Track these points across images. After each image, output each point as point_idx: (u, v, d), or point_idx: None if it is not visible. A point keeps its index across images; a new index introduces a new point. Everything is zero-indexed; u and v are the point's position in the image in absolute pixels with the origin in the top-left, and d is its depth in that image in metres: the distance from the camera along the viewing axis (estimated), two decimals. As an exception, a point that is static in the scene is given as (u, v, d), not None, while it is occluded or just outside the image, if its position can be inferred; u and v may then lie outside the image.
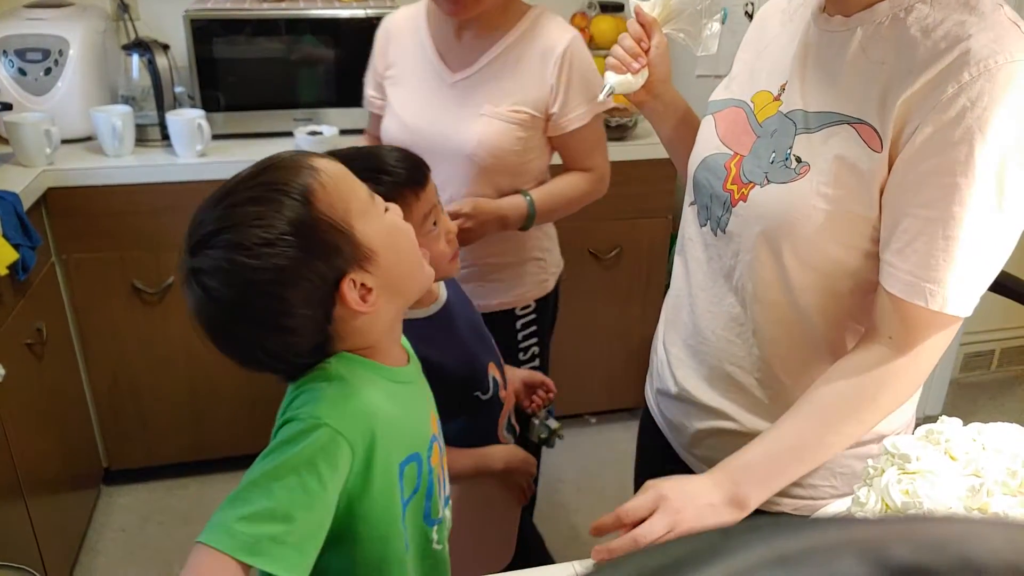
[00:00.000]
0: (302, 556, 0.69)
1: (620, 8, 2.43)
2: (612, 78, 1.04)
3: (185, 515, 2.11)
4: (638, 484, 1.24)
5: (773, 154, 0.87)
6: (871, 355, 0.83)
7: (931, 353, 0.83)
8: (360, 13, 2.06)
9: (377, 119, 1.53)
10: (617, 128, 2.15)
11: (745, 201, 0.89)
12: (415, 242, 0.82)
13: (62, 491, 1.92)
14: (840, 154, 0.81)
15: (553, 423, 1.36)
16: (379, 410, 0.77)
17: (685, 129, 1.09)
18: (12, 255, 1.55)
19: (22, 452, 1.61)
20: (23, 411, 1.65)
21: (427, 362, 0.98)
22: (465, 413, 1.17)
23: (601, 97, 1.06)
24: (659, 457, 1.12)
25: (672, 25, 1.06)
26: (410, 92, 1.44)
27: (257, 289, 0.72)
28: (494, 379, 1.21)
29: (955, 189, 0.75)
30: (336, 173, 0.76)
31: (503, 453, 1.22)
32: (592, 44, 2.33)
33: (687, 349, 1.02)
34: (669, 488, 0.82)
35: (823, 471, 0.97)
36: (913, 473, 0.73)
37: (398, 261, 0.78)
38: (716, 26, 1.05)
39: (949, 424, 0.79)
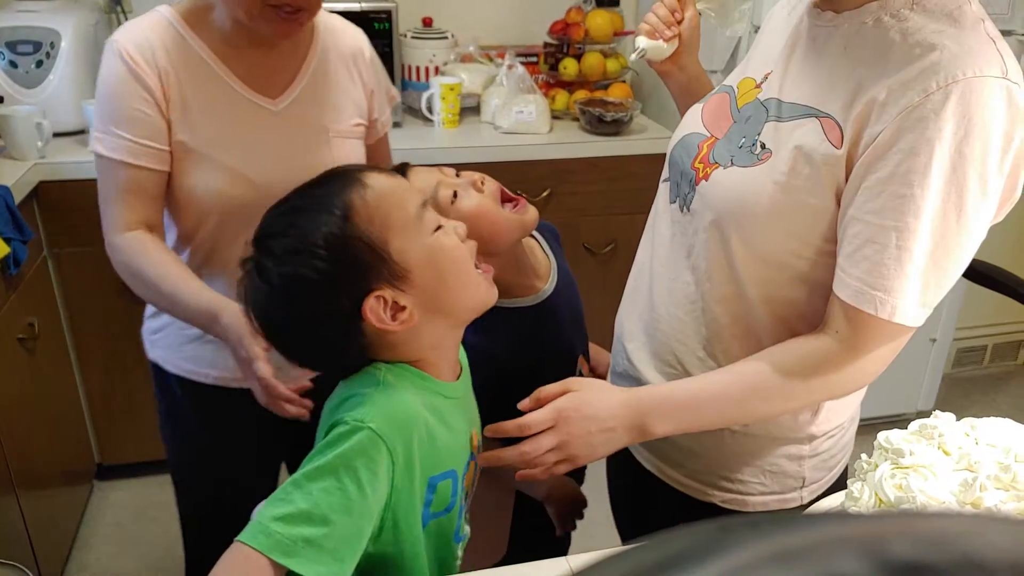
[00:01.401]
0: (336, 562, 0.68)
1: (616, 3, 2.42)
2: (644, 42, 1.07)
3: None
4: (610, 479, 1.24)
5: (743, 139, 0.88)
6: (818, 342, 0.84)
7: (877, 359, 0.83)
8: (355, 7, 2.05)
9: (150, 177, 1.09)
10: (613, 123, 2.15)
11: (707, 180, 0.90)
12: (467, 263, 0.80)
13: (54, 486, 1.91)
14: (800, 144, 0.81)
15: None
16: (422, 421, 0.77)
17: (696, 96, 1.11)
18: (3, 249, 1.54)
19: (14, 447, 1.60)
20: (15, 406, 1.64)
21: (520, 356, 1.00)
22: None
23: (633, 58, 1.08)
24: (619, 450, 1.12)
25: (705, 3, 1.09)
26: (223, 132, 1.11)
27: (285, 295, 0.74)
28: (580, 371, 1.19)
29: (911, 199, 0.74)
30: (384, 189, 0.77)
31: (549, 481, 1.18)
32: (588, 38, 2.32)
33: (640, 323, 1.03)
34: (574, 405, 0.85)
35: (753, 468, 0.97)
36: (907, 468, 0.73)
37: (439, 281, 0.78)
38: (747, 7, 1.08)
39: (943, 419, 0.79)
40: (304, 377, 0.98)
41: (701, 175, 0.91)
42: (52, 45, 1.95)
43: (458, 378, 0.86)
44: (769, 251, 0.85)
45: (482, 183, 1.03)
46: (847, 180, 0.79)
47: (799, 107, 0.84)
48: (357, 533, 0.70)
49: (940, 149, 0.73)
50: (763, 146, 0.85)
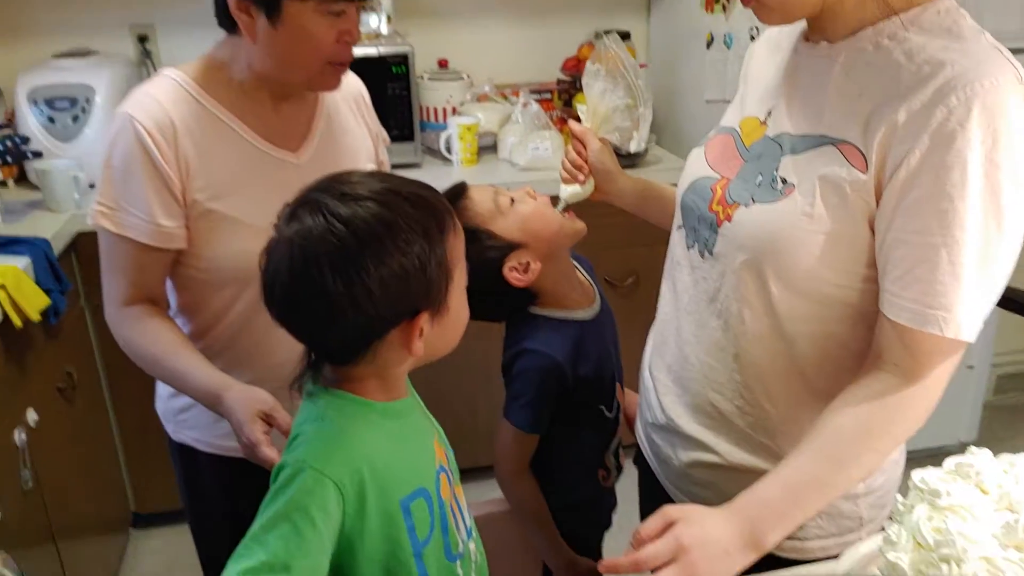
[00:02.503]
0: None
1: (627, 36, 2.45)
2: (564, 191, 1.17)
3: (213, 554, 2.11)
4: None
5: (760, 176, 0.88)
6: (879, 384, 0.81)
7: (940, 379, 0.82)
8: (373, 52, 2.10)
9: (159, 256, 1.08)
10: (628, 155, 2.16)
11: (730, 221, 0.89)
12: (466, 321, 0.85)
13: (92, 535, 1.93)
14: (824, 173, 0.81)
15: None
16: (369, 447, 0.77)
17: (651, 203, 1.19)
18: (44, 301, 1.58)
19: (53, 496, 1.63)
20: (54, 455, 1.66)
21: (575, 366, 1.07)
22: (585, 425, 1.18)
23: (558, 210, 1.14)
24: (651, 495, 1.10)
25: (606, 128, 1.18)
26: (250, 193, 1.08)
27: (372, 247, 0.72)
28: (616, 400, 1.22)
29: (954, 213, 0.75)
30: (462, 236, 0.82)
31: (570, 559, 1.20)
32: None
33: (671, 375, 1.02)
34: (690, 532, 0.78)
35: None
36: (944, 509, 0.72)
37: (454, 329, 0.82)
38: (648, 114, 1.20)
39: (979, 456, 0.77)
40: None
41: (722, 217, 0.90)
42: (87, 100, 2.02)
43: (407, 394, 0.87)
44: (809, 285, 0.84)
45: (534, 193, 1.14)
46: (877, 205, 0.80)
47: (812, 137, 0.84)
48: (317, 569, 0.72)
49: (972, 160, 0.73)
50: (784, 180, 0.85)
